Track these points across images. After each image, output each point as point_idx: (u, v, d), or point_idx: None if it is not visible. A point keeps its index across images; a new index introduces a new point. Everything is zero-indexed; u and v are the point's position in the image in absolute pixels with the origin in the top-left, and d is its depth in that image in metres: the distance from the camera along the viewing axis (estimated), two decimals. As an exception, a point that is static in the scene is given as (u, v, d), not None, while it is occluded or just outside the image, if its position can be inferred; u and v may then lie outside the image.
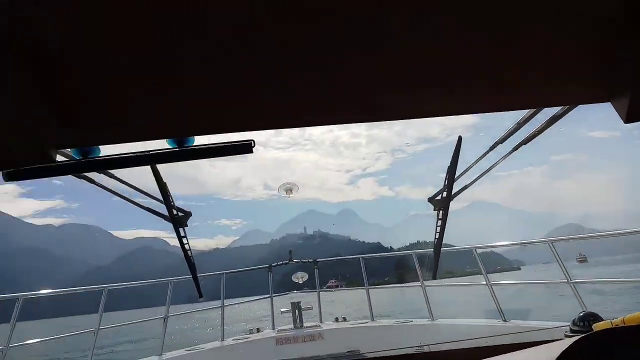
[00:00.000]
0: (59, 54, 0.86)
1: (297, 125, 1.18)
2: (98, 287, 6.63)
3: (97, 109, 1.03)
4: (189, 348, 7.32)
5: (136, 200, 2.51)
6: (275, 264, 9.27)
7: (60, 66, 0.90)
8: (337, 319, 8.54)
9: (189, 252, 2.79)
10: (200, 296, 3.32)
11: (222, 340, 7.74)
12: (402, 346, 2.91)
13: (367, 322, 7.90)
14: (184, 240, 2.71)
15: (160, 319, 7.29)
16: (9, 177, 1.51)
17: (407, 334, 7.11)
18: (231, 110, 1.09)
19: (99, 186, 2.20)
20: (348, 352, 5.15)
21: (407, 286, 9.15)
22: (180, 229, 2.70)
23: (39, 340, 6.57)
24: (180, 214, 2.59)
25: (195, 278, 3.11)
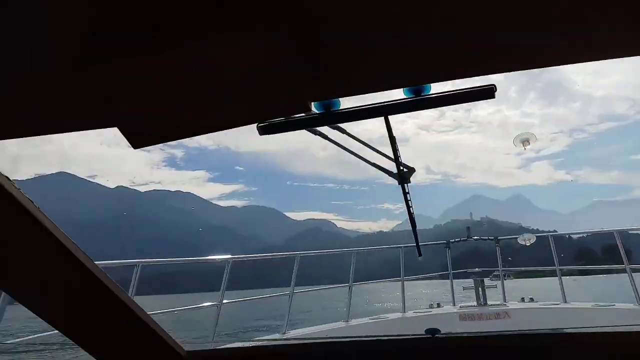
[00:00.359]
0: (312, 5, 0.89)
1: (523, 67, 1.11)
2: (292, 254, 7.24)
3: (344, 60, 1.04)
4: (373, 317, 7.65)
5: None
6: (453, 240, 9.15)
7: (312, 17, 0.92)
8: (523, 299, 8.14)
9: (411, 209, 2.84)
10: (420, 255, 3.38)
11: (404, 312, 7.94)
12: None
13: (559, 304, 7.39)
14: (408, 197, 2.76)
15: (346, 287, 7.71)
16: (264, 131, 1.64)
17: (607, 316, 6.47)
18: (471, 53, 1.04)
19: (332, 142, 2.31)
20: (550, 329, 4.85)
21: (612, 268, 8.28)
22: (405, 186, 2.75)
23: (242, 299, 7.45)
24: (404, 170, 2.62)
25: (415, 236, 3.16)
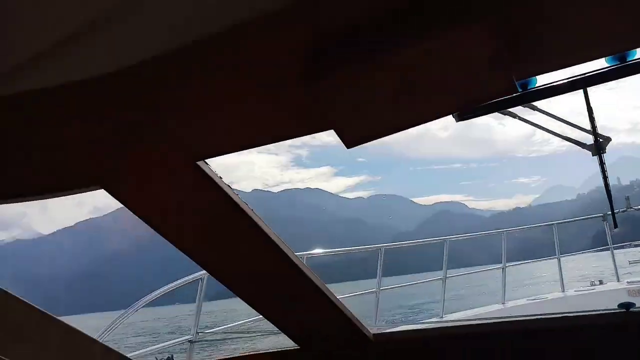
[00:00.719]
0: None
1: None
2: (442, 239, 7.32)
3: (545, 36, 1.05)
4: (530, 297, 7.49)
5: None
6: (609, 212, 8.50)
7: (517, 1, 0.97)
8: (701, 271, 7.40)
9: (607, 179, 2.70)
10: (615, 226, 3.19)
11: (563, 291, 7.65)
12: None
13: None
14: (604, 167, 2.62)
15: (499, 269, 7.63)
16: (460, 118, 1.69)
17: None
18: None
19: (521, 120, 2.28)
20: None
21: None
22: (602, 156, 2.58)
23: (398, 285, 7.75)
24: (600, 140, 2.51)
25: (611, 206, 2.99)
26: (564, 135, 2.47)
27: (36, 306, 1.92)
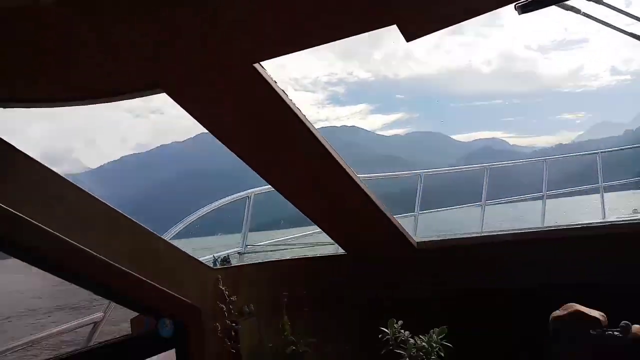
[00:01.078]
0: None
1: None
2: (481, 166, 7.32)
3: None
4: (570, 223, 7.47)
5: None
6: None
7: None
8: None
9: None
10: None
11: (604, 217, 7.58)
12: None
13: None
14: None
15: (540, 199, 7.60)
16: (523, 10, 1.64)
17: None
18: None
19: (585, 16, 2.12)
20: None
21: None
22: None
23: (435, 210, 7.89)
24: None
25: None
26: (632, 33, 2.22)
27: (109, 204, 2.11)
